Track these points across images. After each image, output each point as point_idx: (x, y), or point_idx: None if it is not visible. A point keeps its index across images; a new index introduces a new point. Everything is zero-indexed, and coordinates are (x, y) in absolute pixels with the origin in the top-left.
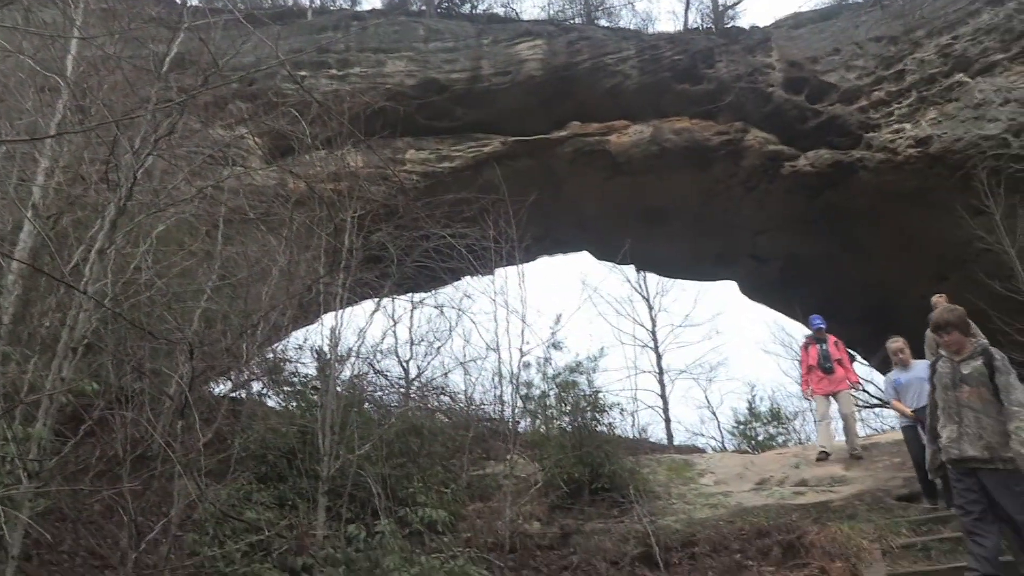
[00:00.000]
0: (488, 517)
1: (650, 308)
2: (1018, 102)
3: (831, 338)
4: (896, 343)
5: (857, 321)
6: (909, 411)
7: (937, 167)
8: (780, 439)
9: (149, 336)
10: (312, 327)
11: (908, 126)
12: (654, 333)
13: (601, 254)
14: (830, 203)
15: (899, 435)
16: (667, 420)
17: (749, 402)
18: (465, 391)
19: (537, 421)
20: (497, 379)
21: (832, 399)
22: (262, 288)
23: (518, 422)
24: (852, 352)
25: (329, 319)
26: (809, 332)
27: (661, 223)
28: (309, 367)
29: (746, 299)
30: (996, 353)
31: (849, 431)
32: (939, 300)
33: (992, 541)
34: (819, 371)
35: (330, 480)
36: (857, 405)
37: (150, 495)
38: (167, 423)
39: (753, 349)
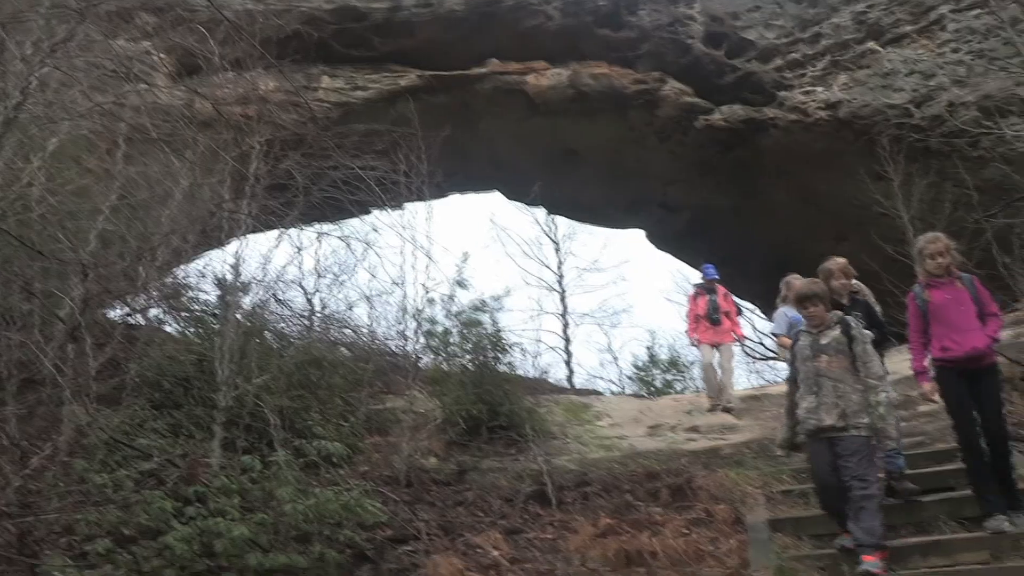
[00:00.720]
0: (386, 451)
1: (558, 251)
2: (922, 74)
3: (720, 289)
4: (798, 281)
5: (758, 275)
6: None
7: (844, 131)
8: (677, 386)
9: (39, 255)
10: (214, 254)
11: (820, 89)
12: (560, 276)
13: (513, 194)
14: (740, 159)
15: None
16: (569, 362)
17: (649, 349)
18: (369, 325)
19: (439, 358)
20: (401, 314)
21: (716, 350)
22: (163, 211)
23: (420, 358)
24: (750, 305)
25: (232, 246)
26: (700, 281)
27: (575, 167)
28: (210, 294)
29: (653, 248)
30: (852, 322)
31: (727, 384)
32: (834, 264)
33: None
34: (706, 321)
35: (227, 410)
36: (752, 357)
37: (37, 420)
38: (58, 347)
39: (656, 297)
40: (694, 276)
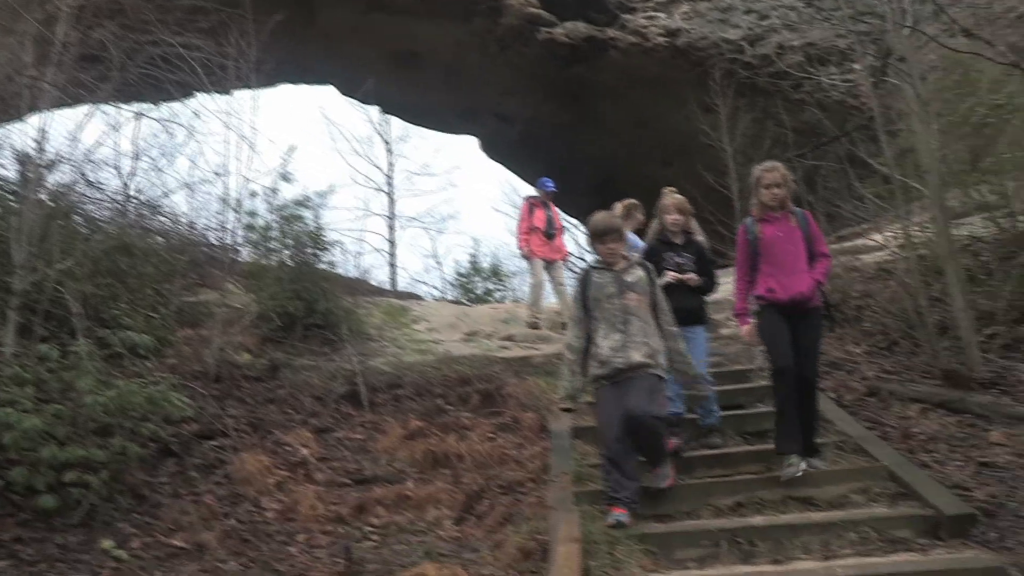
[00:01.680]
0: (197, 345)
1: (389, 152)
2: (758, 14)
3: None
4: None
5: (585, 193)
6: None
7: (680, 60)
8: (498, 295)
9: None
10: (14, 125)
11: (662, 15)
12: (390, 178)
13: (347, 90)
14: (578, 76)
15: None
16: (392, 265)
17: (472, 257)
18: (187, 215)
19: (258, 252)
20: (222, 206)
21: (547, 267)
22: None
23: (238, 251)
24: (575, 221)
25: (36, 119)
26: (535, 193)
27: (413, 69)
28: (8, 170)
29: (485, 157)
30: (651, 267)
31: (564, 301)
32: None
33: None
34: (543, 235)
35: (23, 294)
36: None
37: None
38: None
39: (484, 206)
40: (524, 188)
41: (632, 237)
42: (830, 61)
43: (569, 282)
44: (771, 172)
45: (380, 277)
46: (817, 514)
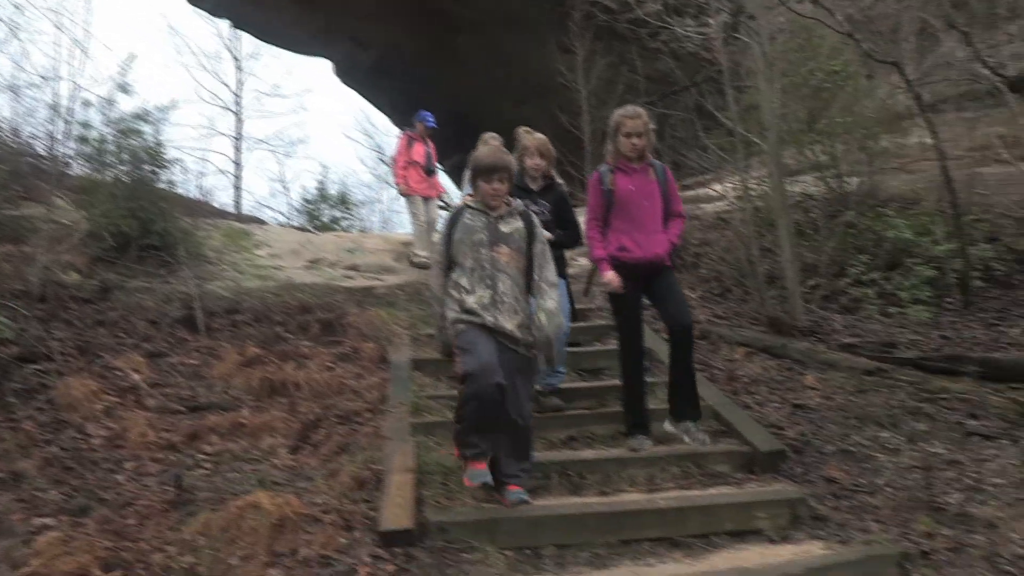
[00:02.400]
0: (18, 262)
1: (239, 70)
2: None
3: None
4: (496, 142)
5: (440, 125)
6: None
7: None
8: (344, 224)
9: None
10: None
11: None
12: (238, 96)
13: (196, 0)
14: (438, 7)
15: None
16: (237, 188)
17: (320, 183)
18: (9, 120)
19: (90, 166)
20: (51, 114)
21: (425, 203)
22: None
23: (68, 164)
24: None
25: None
26: (413, 127)
27: None
28: None
29: (339, 82)
30: (534, 217)
31: (430, 241)
32: (531, 140)
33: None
34: (423, 171)
35: None
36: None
37: None
38: None
39: (335, 132)
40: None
41: None
42: (687, 13)
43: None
44: (633, 119)
45: (224, 199)
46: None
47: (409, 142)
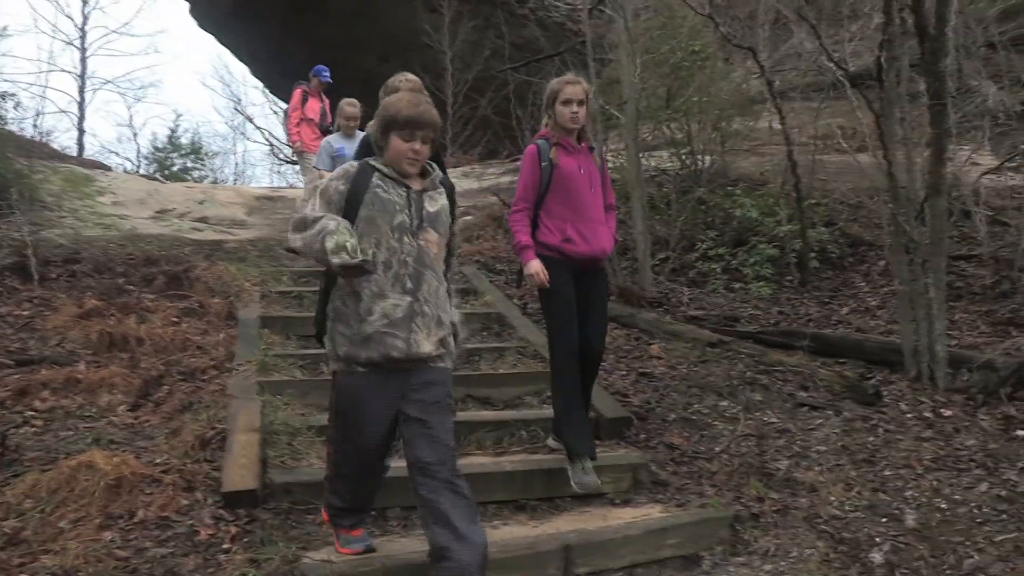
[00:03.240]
0: None
1: (84, 2)
2: None
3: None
4: (354, 108)
5: (295, 76)
6: None
7: None
8: (196, 174)
9: None
10: None
11: None
12: (83, 31)
13: None
14: None
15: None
16: (80, 130)
17: (172, 131)
18: None
19: None
20: None
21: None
22: None
23: None
24: (285, 106)
25: None
26: (308, 82)
27: None
28: None
29: (195, 25)
30: (453, 185)
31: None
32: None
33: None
34: (317, 129)
35: None
36: (278, 160)
37: None
38: None
39: (190, 79)
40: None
41: (342, 143)
42: None
43: None
44: (572, 85)
45: (65, 142)
46: (491, 413)
47: (304, 97)
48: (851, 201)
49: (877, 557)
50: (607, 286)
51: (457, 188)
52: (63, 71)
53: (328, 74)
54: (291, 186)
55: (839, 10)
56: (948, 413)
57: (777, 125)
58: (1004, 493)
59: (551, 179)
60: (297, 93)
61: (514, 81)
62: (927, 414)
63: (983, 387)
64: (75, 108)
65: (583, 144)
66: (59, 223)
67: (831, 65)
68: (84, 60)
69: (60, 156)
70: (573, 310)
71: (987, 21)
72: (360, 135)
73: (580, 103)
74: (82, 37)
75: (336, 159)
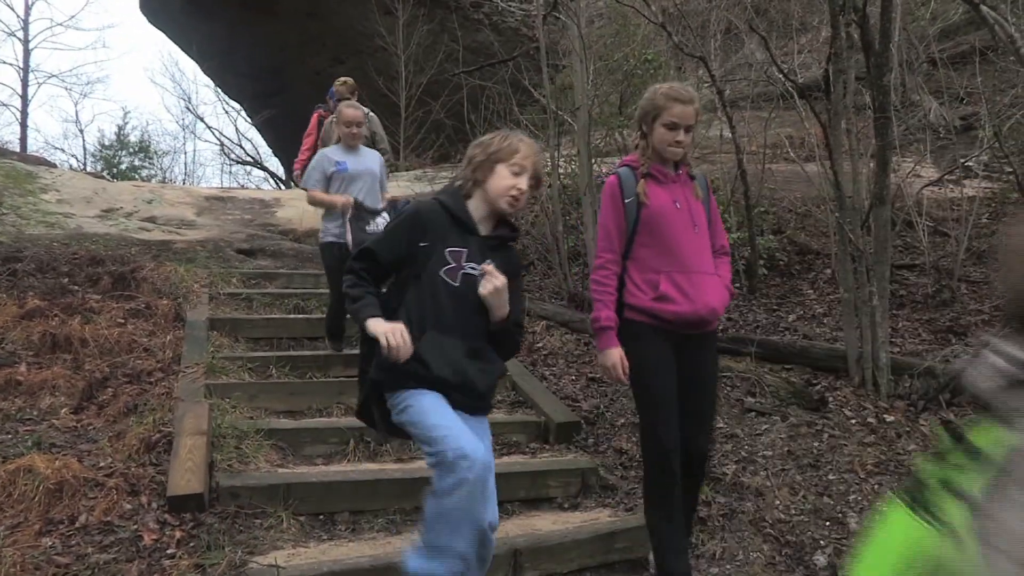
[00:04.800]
0: None
1: None
2: None
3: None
4: (356, 112)
5: (248, 76)
6: (342, 201)
7: None
8: (144, 173)
9: None
10: None
11: None
12: (26, 22)
13: None
14: None
15: (258, 194)
16: (23, 125)
17: (120, 128)
18: None
19: None
20: None
21: None
22: None
23: None
24: (236, 106)
25: None
26: (325, 104)
27: None
28: None
29: (145, 20)
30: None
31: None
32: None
33: None
34: None
35: None
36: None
37: None
38: None
39: (140, 75)
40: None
41: (343, 158)
42: None
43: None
44: (685, 105)
45: (6, 137)
46: None
47: (320, 122)
48: (799, 210)
49: (821, 560)
50: (716, 359)
51: (410, 192)
52: (4, 63)
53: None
54: (242, 186)
55: (789, 23)
56: (890, 419)
57: (727, 134)
58: None
59: (638, 220)
60: (314, 118)
61: (468, 85)
62: (870, 420)
63: (923, 393)
64: (17, 102)
65: (680, 172)
66: (0, 221)
67: (781, 76)
68: (27, 52)
69: (1, 151)
70: (671, 397)
71: (928, 39)
72: (370, 153)
73: (688, 129)
74: (25, 28)
75: (335, 178)
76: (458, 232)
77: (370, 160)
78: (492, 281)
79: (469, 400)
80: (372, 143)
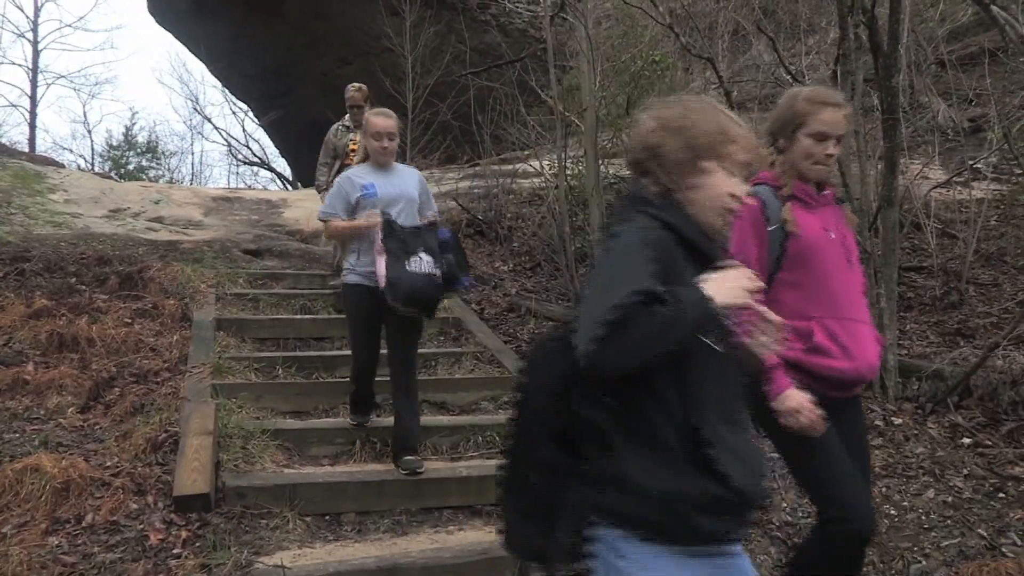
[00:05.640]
0: None
1: None
2: None
3: None
4: (388, 120)
5: (255, 77)
6: (366, 223)
7: None
8: (151, 173)
9: None
10: None
11: None
12: (35, 23)
13: None
14: None
15: (265, 195)
16: (32, 125)
17: (128, 129)
18: None
19: None
20: None
21: None
22: None
23: None
24: (244, 107)
25: None
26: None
27: None
28: None
29: (153, 21)
30: None
31: None
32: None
33: None
34: None
35: None
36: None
37: None
38: None
39: (148, 76)
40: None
41: (370, 179)
42: None
43: None
44: (835, 110)
45: (15, 137)
46: (447, 418)
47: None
48: None
49: None
50: (866, 423)
51: None
52: (13, 64)
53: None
54: (249, 187)
55: (796, 24)
56: (898, 421)
57: None
58: (950, 499)
59: (784, 252)
60: None
61: (475, 86)
62: (878, 422)
63: (931, 396)
64: (26, 102)
65: (827, 192)
66: (8, 220)
67: (788, 77)
68: (36, 53)
69: (10, 151)
70: (843, 462)
71: (937, 41)
72: (406, 171)
73: (839, 140)
74: (34, 30)
75: (361, 206)
76: (695, 267)
77: (406, 180)
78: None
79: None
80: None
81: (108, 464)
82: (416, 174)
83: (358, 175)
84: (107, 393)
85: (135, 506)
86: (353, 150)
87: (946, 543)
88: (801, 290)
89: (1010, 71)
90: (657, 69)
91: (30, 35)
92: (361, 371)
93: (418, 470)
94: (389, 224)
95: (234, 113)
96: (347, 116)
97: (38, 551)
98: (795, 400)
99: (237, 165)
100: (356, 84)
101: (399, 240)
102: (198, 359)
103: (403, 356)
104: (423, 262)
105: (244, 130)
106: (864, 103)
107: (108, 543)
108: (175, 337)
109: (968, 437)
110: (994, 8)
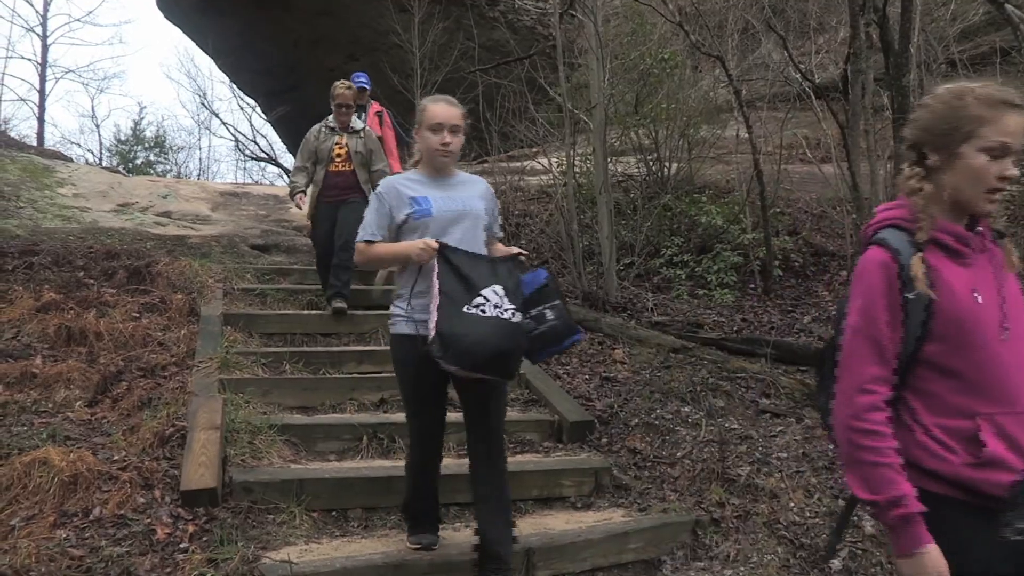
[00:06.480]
0: None
1: None
2: None
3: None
4: (450, 109)
5: (262, 73)
6: (417, 250)
7: None
8: (159, 168)
9: None
10: None
11: None
12: (44, 18)
13: None
14: None
15: (272, 190)
16: (41, 119)
17: (136, 123)
18: None
19: None
20: None
21: None
22: None
23: None
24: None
25: None
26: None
27: None
28: None
29: (162, 16)
30: None
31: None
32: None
33: None
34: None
35: None
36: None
37: None
38: None
39: (155, 70)
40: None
41: (424, 191)
42: None
43: None
44: (1020, 113)
45: (24, 131)
46: (455, 414)
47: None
48: (815, 211)
49: (836, 563)
50: None
51: None
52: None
53: (364, 79)
54: (256, 182)
55: (806, 23)
56: None
57: (744, 134)
58: None
59: (929, 324)
60: (388, 116)
61: (483, 83)
62: None
63: None
64: (35, 96)
65: (982, 230)
66: (16, 213)
67: (798, 76)
68: (45, 48)
69: (19, 145)
70: None
71: (947, 40)
72: (469, 179)
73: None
74: (43, 24)
75: (409, 227)
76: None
77: (471, 192)
78: None
79: None
80: (368, 162)
81: (116, 458)
82: (483, 183)
83: (407, 184)
84: (115, 387)
85: (142, 500)
86: (339, 155)
87: None
88: (954, 377)
89: (1022, 70)
90: (666, 67)
91: (39, 29)
92: (419, 457)
93: None
94: (445, 256)
95: (241, 108)
96: (331, 116)
97: (46, 544)
98: (925, 565)
99: (244, 160)
100: (345, 81)
101: (458, 276)
102: (205, 354)
103: (483, 432)
104: (492, 305)
105: (252, 125)
106: (874, 102)
107: (115, 537)
108: (183, 332)
109: None
110: (1008, 6)
